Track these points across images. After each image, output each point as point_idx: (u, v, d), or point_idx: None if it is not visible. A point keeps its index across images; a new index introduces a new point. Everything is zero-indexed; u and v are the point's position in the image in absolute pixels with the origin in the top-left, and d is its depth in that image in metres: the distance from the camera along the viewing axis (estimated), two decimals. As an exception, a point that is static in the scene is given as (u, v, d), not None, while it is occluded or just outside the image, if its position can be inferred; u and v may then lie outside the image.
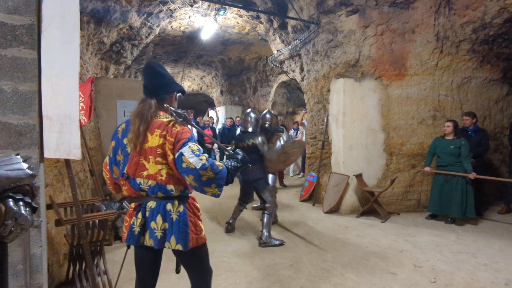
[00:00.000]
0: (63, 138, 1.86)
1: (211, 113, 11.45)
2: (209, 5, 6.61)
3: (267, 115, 4.81)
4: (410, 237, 4.14)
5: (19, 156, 1.32)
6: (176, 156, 1.60)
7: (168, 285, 2.86)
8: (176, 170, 1.63)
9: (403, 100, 5.37)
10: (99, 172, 4.55)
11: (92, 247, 2.68)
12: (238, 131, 9.00)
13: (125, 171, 1.72)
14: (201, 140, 8.71)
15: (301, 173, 9.20)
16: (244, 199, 4.36)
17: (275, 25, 6.93)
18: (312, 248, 3.78)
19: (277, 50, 7.37)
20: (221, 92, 13.23)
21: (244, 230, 4.46)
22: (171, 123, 1.66)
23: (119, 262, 3.33)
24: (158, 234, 1.64)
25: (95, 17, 5.25)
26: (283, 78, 11.82)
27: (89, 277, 2.48)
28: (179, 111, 1.69)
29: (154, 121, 1.68)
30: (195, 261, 1.79)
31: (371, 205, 4.98)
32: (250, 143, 4.07)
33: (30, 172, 1.26)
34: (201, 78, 14.28)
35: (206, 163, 1.56)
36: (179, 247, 1.64)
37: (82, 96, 4.34)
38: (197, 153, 1.59)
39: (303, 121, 9.03)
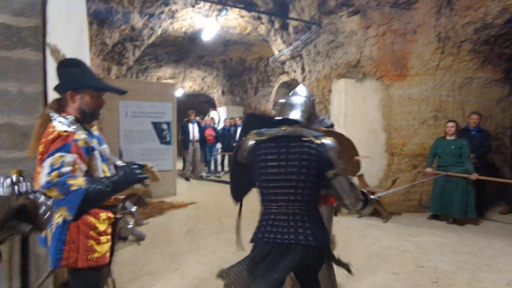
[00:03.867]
0: (67, 139, 1.87)
1: (213, 113, 11.47)
2: (210, 6, 6.63)
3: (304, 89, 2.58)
4: (412, 237, 4.14)
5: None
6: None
7: (169, 285, 2.87)
8: None
9: (404, 100, 5.37)
10: (101, 172, 4.57)
11: (96, 247, 2.69)
12: (238, 132, 8.89)
13: None
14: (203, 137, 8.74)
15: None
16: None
17: (277, 25, 6.94)
18: (313, 248, 3.78)
19: (279, 51, 7.38)
20: (223, 92, 13.25)
21: (245, 229, 4.46)
22: (55, 130, 1.41)
23: (121, 262, 3.34)
24: (49, 242, 1.53)
25: (98, 18, 5.28)
26: (284, 78, 11.81)
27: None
28: (65, 115, 1.46)
29: (49, 125, 1.45)
30: (75, 285, 1.59)
31: (373, 206, 4.97)
32: None
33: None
34: (203, 79, 14.30)
35: (53, 180, 1.29)
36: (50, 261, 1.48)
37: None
38: (55, 166, 1.31)
39: None
